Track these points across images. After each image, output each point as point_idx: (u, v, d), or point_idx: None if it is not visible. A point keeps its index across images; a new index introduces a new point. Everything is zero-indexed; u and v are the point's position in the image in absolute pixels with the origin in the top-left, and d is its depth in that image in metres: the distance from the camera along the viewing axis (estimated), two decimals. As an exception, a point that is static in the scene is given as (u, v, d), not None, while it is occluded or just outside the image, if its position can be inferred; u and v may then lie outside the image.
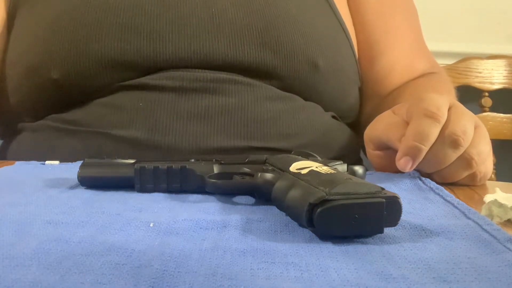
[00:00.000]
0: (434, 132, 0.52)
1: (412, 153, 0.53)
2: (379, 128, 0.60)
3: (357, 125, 0.83)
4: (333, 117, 0.75)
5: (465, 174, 0.55)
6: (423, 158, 0.53)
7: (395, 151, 0.56)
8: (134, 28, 0.66)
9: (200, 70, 0.66)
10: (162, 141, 0.63)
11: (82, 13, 0.67)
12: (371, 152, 0.62)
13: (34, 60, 0.68)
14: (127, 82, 0.66)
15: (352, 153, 0.63)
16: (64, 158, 0.62)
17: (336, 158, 0.67)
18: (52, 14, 0.69)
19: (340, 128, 0.75)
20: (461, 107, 0.55)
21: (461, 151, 0.52)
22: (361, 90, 0.83)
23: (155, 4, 0.68)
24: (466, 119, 0.53)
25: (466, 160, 0.53)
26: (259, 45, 0.67)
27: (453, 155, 0.53)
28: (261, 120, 0.66)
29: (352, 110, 0.81)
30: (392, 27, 0.85)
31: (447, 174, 0.55)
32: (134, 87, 0.66)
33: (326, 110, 0.74)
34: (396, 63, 0.83)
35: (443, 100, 0.54)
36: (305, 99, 0.72)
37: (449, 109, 0.54)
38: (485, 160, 0.55)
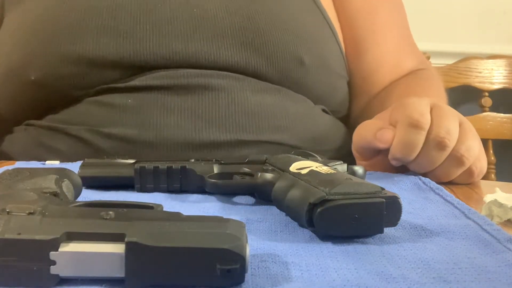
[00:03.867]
0: (420, 140, 0.53)
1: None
2: (357, 136, 0.60)
3: (348, 122, 0.83)
4: (324, 111, 0.75)
5: (459, 171, 0.55)
6: (413, 162, 0.54)
7: (382, 157, 0.57)
8: (114, 29, 0.65)
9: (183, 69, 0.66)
10: (154, 137, 0.62)
11: (62, 14, 0.66)
12: (362, 164, 0.62)
13: (14, 62, 0.67)
14: (113, 85, 0.65)
15: (346, 148, 0.63)
16: (56, 156, 0.62)
17: (330, 151, 0.66)
18: (34, 14, 0.69)
19: (334, 123, 0.75)
20: (441, 106, 0.55)
21: (448, 151, 0.53)
22: (350, 85, 0.82)
23: (136, 5, 0.67)
24: (448, 119, 0.53)
25: (456, 158, 0.53)
26: (241, 45, 0.67)
27: (442, 156, 0.53)
28: (252, 112, 0.65)
29: (342, 105, 0.80)
30: (377, 24, 0.84)
31: (441, 173, 0.55)
32: (122, 89, 0.65)
33: (315, 104, 0.74)
34: (382, 60, 0.82)
35: (424, 104, 0.54)
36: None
37: (431, 110, 0.54)
38: (477, 154, 0.55)
